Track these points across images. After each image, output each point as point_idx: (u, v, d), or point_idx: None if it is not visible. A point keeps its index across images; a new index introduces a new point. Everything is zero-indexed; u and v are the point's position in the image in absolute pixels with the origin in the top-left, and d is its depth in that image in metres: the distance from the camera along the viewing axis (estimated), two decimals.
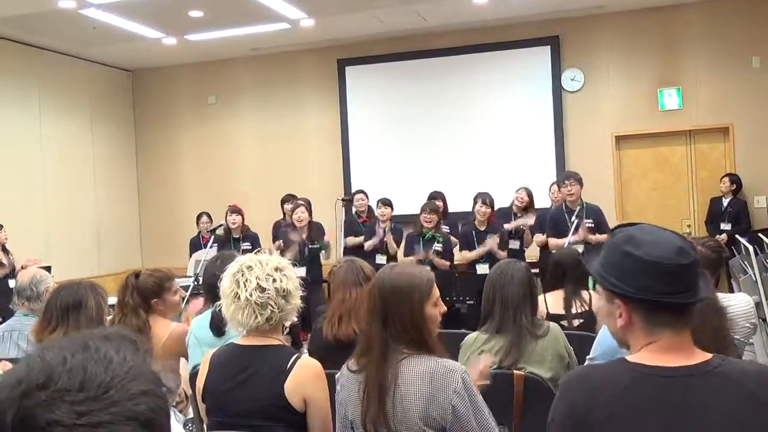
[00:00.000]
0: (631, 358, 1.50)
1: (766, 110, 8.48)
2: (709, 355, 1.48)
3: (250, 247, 7.45)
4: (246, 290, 2.35)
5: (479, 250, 6.75)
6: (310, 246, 7.17)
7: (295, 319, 2.73)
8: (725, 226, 8.10)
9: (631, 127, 8.96)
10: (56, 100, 9.51)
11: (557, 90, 9.11)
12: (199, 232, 8.71)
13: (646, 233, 1.51)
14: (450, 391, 2.13)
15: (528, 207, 7.48)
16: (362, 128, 9.88)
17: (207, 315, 3.65)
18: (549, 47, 9.12)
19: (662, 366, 1.44)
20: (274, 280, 2.38)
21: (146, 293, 3.56)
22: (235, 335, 3.17)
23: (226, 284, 2.41)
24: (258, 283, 2.36)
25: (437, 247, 6.80)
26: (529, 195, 7.49)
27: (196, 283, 5.91)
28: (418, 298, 2.23)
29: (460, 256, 7.04)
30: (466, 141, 9.40)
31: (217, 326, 3.53)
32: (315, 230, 7.33)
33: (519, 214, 7.42)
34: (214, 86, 10.56)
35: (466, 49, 9.34)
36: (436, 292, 2.29)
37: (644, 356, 1.47)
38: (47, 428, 0.75)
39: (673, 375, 1.43)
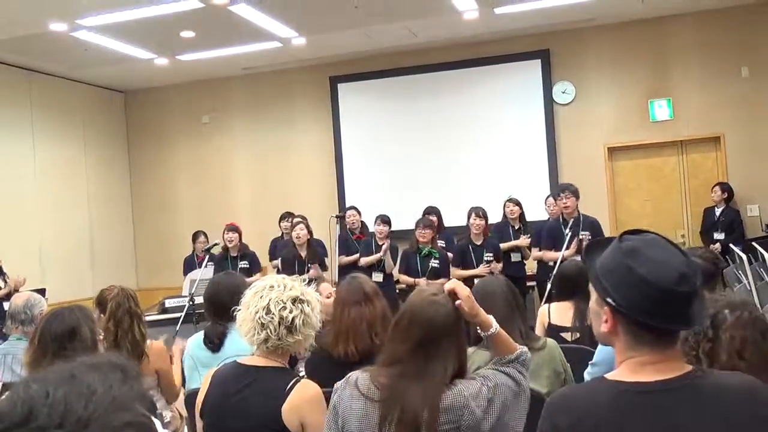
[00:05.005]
0: (611, 375, 1.50)
1: (756, 119, 8.54)
2: (688, 368, 1.48)
3: (248, 266, 7.42)
4: (255, 306, 2.38)
5: (475, 271, 6.65)
6: (309, 265, 7.07)
7: None
8: (718, 236, 8.11)
9: (623, 139, 9.00)
10: (49, 122, 9.52)
11: (549, 103, 9.16)
12: (194, 251, 8.67)
13: (653, 249, 1.48)
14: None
15: (521, 217, 7.50)
16: (356, 144, 9.90)
17: (201, 334, 3.65)
18: (539, 60, 9.18)
19: (640, 381, 1.44)
20: (284, 308, 2.37)
21: (136, 302, 3.60)
22: (232, 355, 3.16)
23: (248, 293, 2.45)
24: (268, 305, 2.37)
25: (434, 263, 6.78)
26: (518, 204, 7.49)
27: (191, 303, 5.88)
28: (459, 329, 2.11)
29: (454, 273, 6.95)
30: (459, 155, 9.42)
31: (211, 340, 3.53)
32: (314, 248, 7.29)
33: (516, 227, 7.42)
34: (207, 105, 10.58)
35: (457, 64, 9.40)
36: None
37: (623, 373, 1.48)
38: None
39: (649, 390, 1.43)
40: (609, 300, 1.47)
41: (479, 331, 2.13)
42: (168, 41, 8.45)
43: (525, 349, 2.19)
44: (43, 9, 7.04)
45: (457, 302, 2.08)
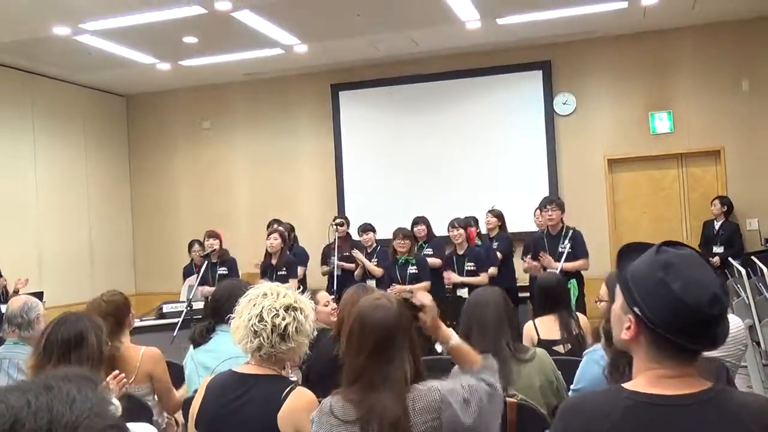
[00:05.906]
0: (629, 385, 1.48)
1: (756, 133, 8.55)
2: (708, 384, 1.46)
3: (227, 273, 7.38)
4: (248, 314, 2.39)
5: (467, 280, 6.74)
6: (278, 273, 6.91)
7: None
8: (718, 249, 8.10)
9: (623, 151, 9.01)
10: (50, 125, 9.53)
11: (549, 114, 9.17)
12: (192, 260, 8.66)
13: (689, 266, 1.45)
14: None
15: (500, 227, 7.49)
16: (356, 152, 9.91)
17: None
18: (541, 72, 9.20)
19: (658, 394, 1.43)
20: (276, 316, 2.37)
21: (122, 311, 3.57)
22: (233, 354, 3.15)
23: (242, 301, 2.46)
24: (260, 313, 2.37)
25: (412, 270, 6.81)
26: (497, 216, 7.50)
27: (188, 308, 5.87)
28: (409, 330, 2.17)
29: (450, 276, 6.99)
30: (459, 164, 9.43)
31: (192, 337, 3.58)
32: (286, 256, 7.16)
33: (491, 236, 7.44)
34: (209, 111, 10.60)
35: (458, 74, 9.42)
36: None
37: (641, 384, 1.46)
38: None
39: (668, 404, 1.42)
40: (636, 310, 1.45)
41: (439, 345, 2.18)
42: (170, 46, 8.47)
43: (487, 355, 2.25)
44: (47, 13, 7.06)
45: (420, 315, 2.17)
